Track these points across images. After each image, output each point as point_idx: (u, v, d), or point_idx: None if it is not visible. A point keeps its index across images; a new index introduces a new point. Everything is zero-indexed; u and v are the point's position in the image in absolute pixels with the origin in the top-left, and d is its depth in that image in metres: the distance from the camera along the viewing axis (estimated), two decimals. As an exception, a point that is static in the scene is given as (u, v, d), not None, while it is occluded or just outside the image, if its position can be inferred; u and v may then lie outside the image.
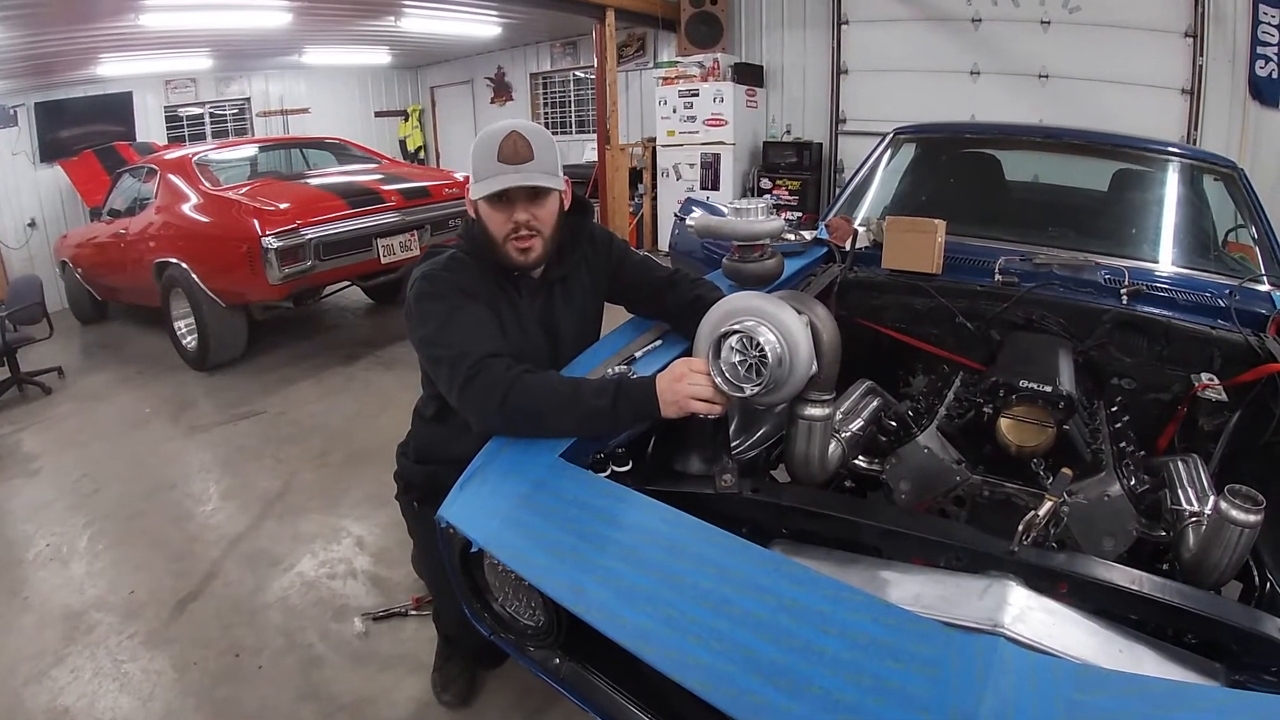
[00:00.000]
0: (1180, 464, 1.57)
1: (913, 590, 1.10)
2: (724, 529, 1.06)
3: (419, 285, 1.60)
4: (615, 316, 1.96)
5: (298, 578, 2.90)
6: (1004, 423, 1.63)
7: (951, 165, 3.05)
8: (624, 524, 1.11)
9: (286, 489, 3.68)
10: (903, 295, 2.31)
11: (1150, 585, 1.10)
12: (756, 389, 1.29)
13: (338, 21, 7.99)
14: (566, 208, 1.71)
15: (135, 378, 5.76)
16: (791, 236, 2.64)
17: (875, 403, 1.90)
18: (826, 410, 1.46)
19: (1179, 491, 1.46)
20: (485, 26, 8.99)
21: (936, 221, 2.26)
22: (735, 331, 1.30)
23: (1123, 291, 2.09)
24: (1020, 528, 1.26)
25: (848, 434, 1.67)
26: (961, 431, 1.74)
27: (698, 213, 1.94)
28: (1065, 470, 1.41)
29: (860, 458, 1.81)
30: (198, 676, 2.37)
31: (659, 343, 1.74)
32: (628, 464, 1.34)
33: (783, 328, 1.30)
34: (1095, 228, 2.62)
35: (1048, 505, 1.30)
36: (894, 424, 1.85)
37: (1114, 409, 1.94)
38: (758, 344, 1.28)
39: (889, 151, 3.03)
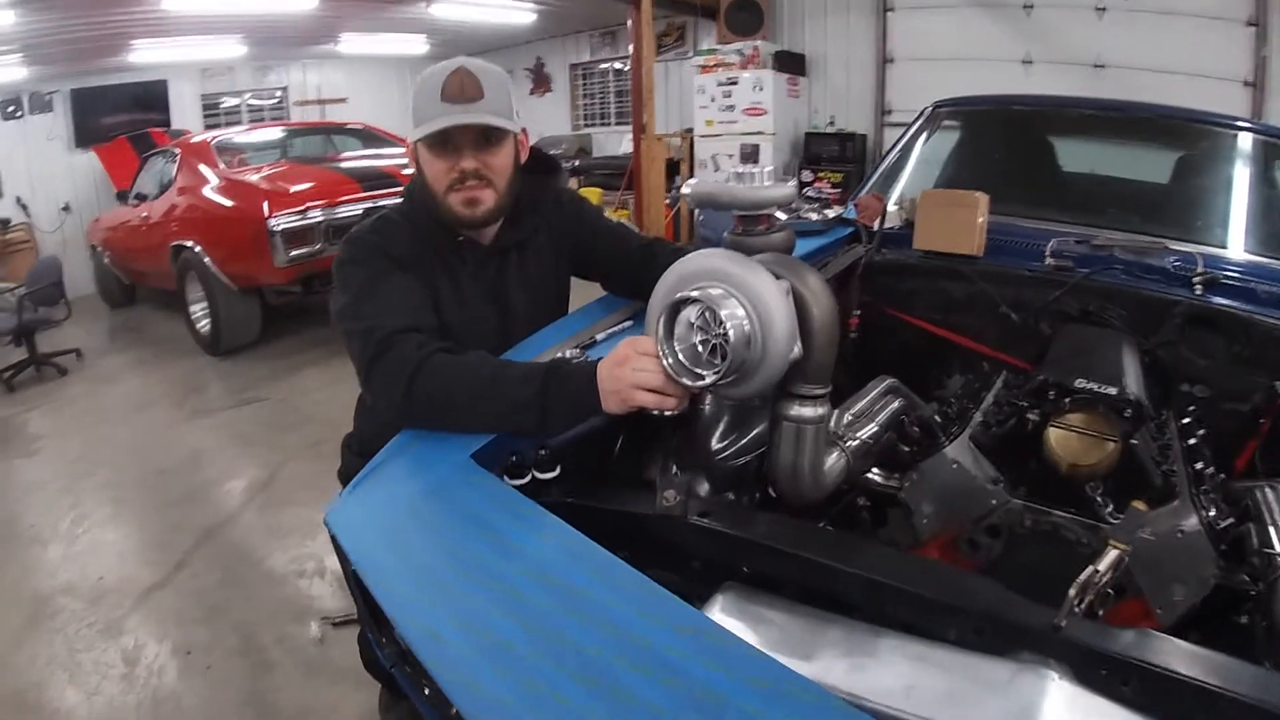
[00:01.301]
0: (1270, 493, 1.24)
1: (903, 679, 0.75)
2: (652, 571, 0.76)
3: (341, 250, 1.36)
4: (591, 295, 1.69)
5: (265, 574, 2.75)
6: (1054, 434, 1.30)
7: (997, 141, 2.70)
8: (516, 552, 0.81)
9: (273, 479, 3.54)
10: (937, 280, 1.98)
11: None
12: (716, 376, 0.97)
13: (369, 6, 7.84)
14: (524, 161, 1.44)
15: (150, 361, 5.73)
16: (813, 215, 2.34)
17: (896, 404, 1.57)
18: (819, 410, 1.12)
19: (1270, 529, 1.14)
20: (520, 14, 8.77)
21: (978, 195, 1.93)
22: (691, 300, 0.98)
23: (1195, 281, 1.74)
24: (1072, 591, 0.86)
25: (855, 441, 1.34)
26: (1001, 443, 1.41)
27: (695, 179, 1.64)
28: (1138, 505, 1.04)
29: (875, 470, 1.50)
30: (144, 673, 2.28)
31: (629, 324, 1.45)
32: (554, 469, 1.05)
33: (754, 296, 0.97)
34: (1161, 212, 2.26)
35: (1111, 555, 0.93)
36: (918, 431, 1.54)
37: (1185, 421, 1.59)
38: (719, 318, 0.96)
39: (928, 126, 2.70)
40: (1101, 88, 5.97)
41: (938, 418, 1.57)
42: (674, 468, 1.13)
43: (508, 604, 0.74)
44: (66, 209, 8.60)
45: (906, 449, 1.53)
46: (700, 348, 1.00)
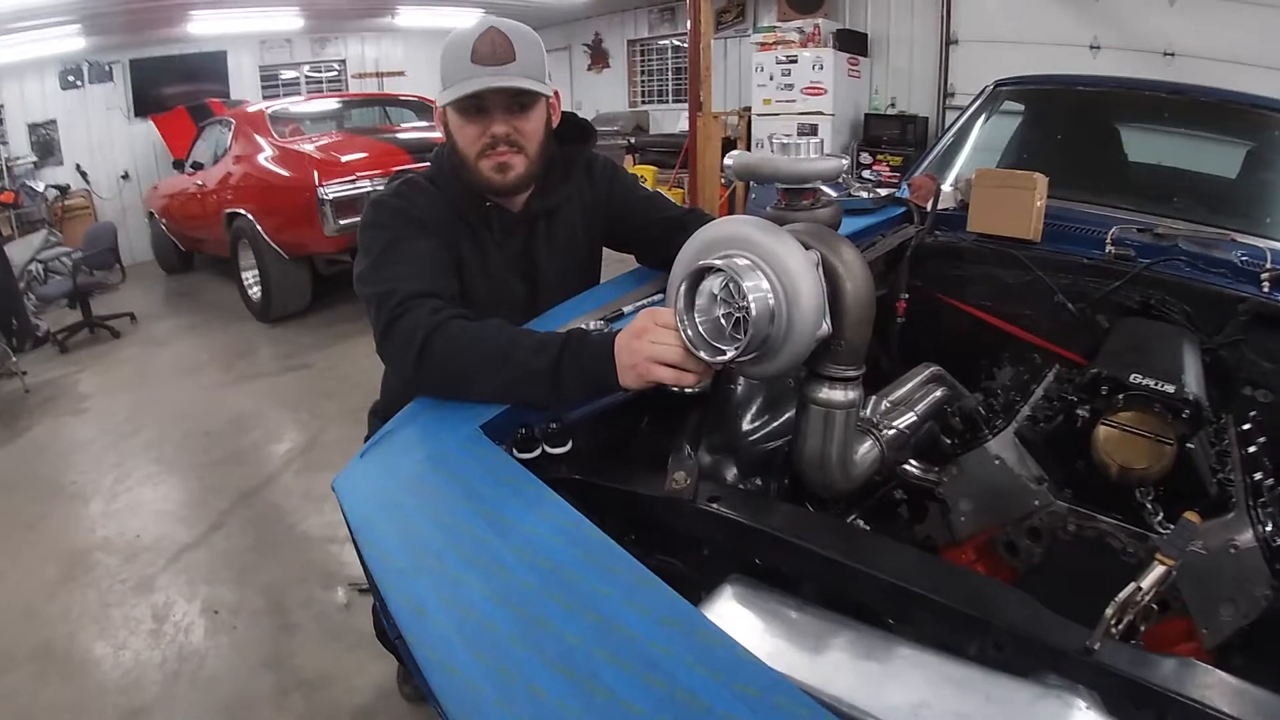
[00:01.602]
0: None
1: (913, 695, 0.67)
2: (657, 557, 0.71)
3: (364, 213, 1.32)
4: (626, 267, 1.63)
5: (298, 538, 2.78)
6: (1105, 432, 1.20)
7: (1059, 124, 2.55)
8: (510, 529, 0.76)
9: (313, 444, 3.59)
10: (990, 265, 1.88)
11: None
12: (737, 351, 0.89)
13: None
14: (555, 125, 1.39)
15: (201, 326, 5.84)
16: (864, 193, 2.23)
17: (939, 392, 1.49)
18: (850, 394, 1.04)
19: None
20: (579, -12, 8.69)
21: (1036, 176, 1.82)
22: (714, 269, 0.91)
23: (1263, 277, 1.61)
24: (1109, 610, 0.76)
25: (891, 430, 1.27)
26: (1048, 440, 1.31)
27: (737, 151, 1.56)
28: (1191, 517, 0.94)
29: (913, 462, 1.42)
30: (171, 630, 2.33)
31: (659, 296, 1.38)
32: (565, 444, 0.99)
33: (779, 267, 0.90)
34: (1229, 204, 2.11)
35: (1156, 571, 0.82)
36: (960, 422, 1.46)
37: (1246, 427, 1.47)
38: (742, 289, 0.89)
39: (988, 106, 2.57)
40: (1170, 76, 5.62)
41: (982, 409, 1.48)
42: (687, 449, 1.06)
43: (494, 583, 0.69)
44: (125, 177, 8.81)
45: (948, 441, 1.46)
46: (723, 321, 0.93)
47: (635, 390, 1.00)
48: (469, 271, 1.35)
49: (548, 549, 0.72)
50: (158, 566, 2.65)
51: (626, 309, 1.33)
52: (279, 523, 2.88)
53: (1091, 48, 6.09)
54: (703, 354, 0.91)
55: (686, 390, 0.99)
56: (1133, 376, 1.21)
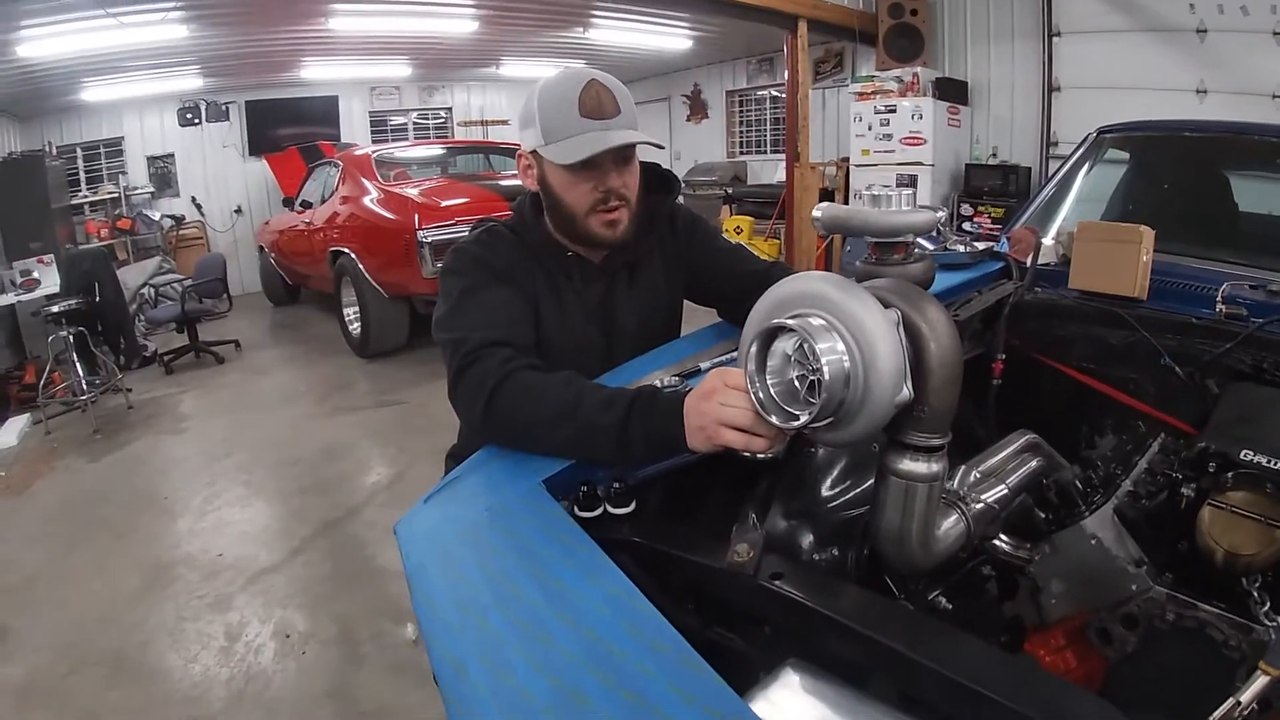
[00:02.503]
0: None
1: None
2: (717, 630, 0.65)
3: (445, 260, 1.35)
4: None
5: (375, 570, 2.83)
6: (1211, 513, 1.09)
7: (1166, 172, 2.42)
8: (561, 594, 0.73)
9: (399, 479, 3.67)
10: (1093, 324, 1.76)
11: None
12: (810, 417, 0.84)
13: (527, 32, 8.14)
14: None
15: (301, 357, 6.13)
16: (960, 246, 2.15)
17: (1034, 463, 1.39)
18: (933, 466, 0.96)
19: None
20: (675, 39, 8.86)
21: (1141, 229, 1.70)
22: (786, 329, 0.86)
23: None
24: None
25: (981, 504, 1.18)
26: (1149, 519, 1.21)
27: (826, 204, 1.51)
28: None
29: (1004, 537, 1.32)
30: (242, 649, 2.40)
31: (735, 354, 1.34)
32: (629, 505, 0.96)
33: (855, 327, 0.84)
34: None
35: (1259, 683, 0.72)
36: (1055, 496, 1.36)
37: None
38: (816, 351, 0.83)
39: (1091, 155, 2.45)
40: None
41: (1079, 483, 1.38)
42: (753, 519, 1.01)
43: (536, 650, 0.66)
44: (238, 211, 9.44)
45: (1042, 515, 1.35)
46: (796, 384, 0.88)
47: (704, 452, 0.96)
48: (547, 321, 1.34)
49: (595, 618, 0.68)
50: (236, 586, 2.74)
51: (704, 365, 1.30)
52: (358, 554, 2.94)
53: (1198, 91, 5.82)
54: (774, 418, 0.87)
55: (759, 456, 0.94)
56: (1243, 453, 1.09)
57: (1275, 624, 1.00)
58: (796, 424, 0.85)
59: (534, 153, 1.28)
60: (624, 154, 1.26)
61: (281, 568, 2.86)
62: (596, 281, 1.40)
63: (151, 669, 2.30)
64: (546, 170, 1.29)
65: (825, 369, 0.82)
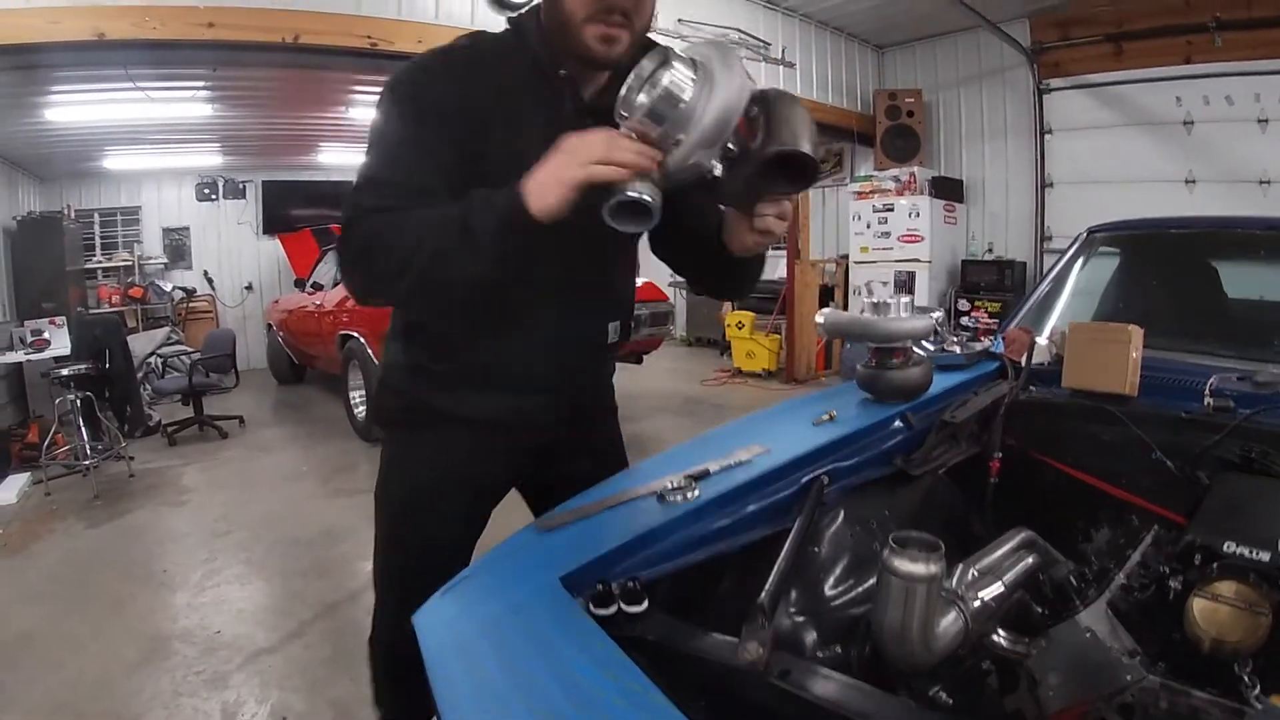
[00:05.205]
0: None
1: None
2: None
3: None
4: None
5: (372, 657, 2.77)
6: (1198, 604, 1.12)
7: (1156, 268, 2.53)
8: (579, 687, 0.77)
9: (399, 566, 3.61)
10: (1086, 422, 1.82)
11: None
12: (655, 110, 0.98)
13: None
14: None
15: (305, 437, 6.15)
16: (957, 347, 2.22)
17: (1030, 560, 1.42)
18: (933, 568, 1.02)
19: None
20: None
21: (1130, 328, 1.78)
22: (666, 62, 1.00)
23: None
24: None
25: (979, 602, 1.22)
26: (1141, 611, 1.25)
27: (829, 309, 1.59)
28: (1276, 701, 0.87)
29: (1002, 633, 1.35)
30: None
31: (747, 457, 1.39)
32: (642, 603, 0.99)
33: (710, 68, 0.99)
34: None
35: None
36: (1051, 591, 1.40)
37: None
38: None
39: (1082, 253, 2.56)
40: (1268, 204, 5.72)
41: (1073, 578, 1.42)
42: (761, 618, 1.04)
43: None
44: (249, 288, 9.63)
45: (1039, 610, 1.38)
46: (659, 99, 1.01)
47: (556, 211, 1.02)
48: (496, 148, 1.21)
49: (612, 712, 0.72)
50: (233, 664, 2.72)
51: (713, 468, 1.34)
52: (357, 638, 2.86)
53: (1187, 182, 6.12)
54: (637, 116, 1.00)
55: (644, 199, 1.00)
56: (1226, 545, 1.14)
57: (1264, 704, 1.03)
58: (633, 120, 1.00)
59: None
60: None
61: (279, 649, 2.83)
62: (575, 119, 1.20)
63: (142, 742, 2.26)
64: None
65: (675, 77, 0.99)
